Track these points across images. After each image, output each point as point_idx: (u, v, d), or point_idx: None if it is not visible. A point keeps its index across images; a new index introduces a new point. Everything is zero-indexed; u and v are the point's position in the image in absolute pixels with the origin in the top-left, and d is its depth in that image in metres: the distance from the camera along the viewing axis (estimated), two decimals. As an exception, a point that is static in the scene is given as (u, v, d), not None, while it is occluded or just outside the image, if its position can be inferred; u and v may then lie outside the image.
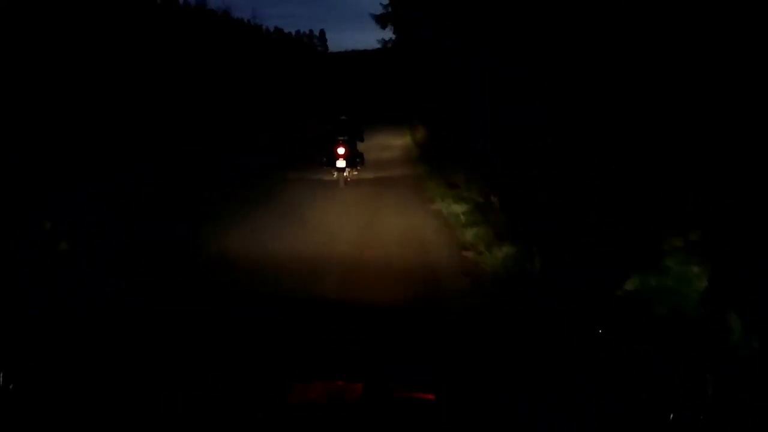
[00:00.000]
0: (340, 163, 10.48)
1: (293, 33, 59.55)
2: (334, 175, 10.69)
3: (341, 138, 10.52)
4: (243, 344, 1.75)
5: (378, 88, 32.25)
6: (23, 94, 11.74)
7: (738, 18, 5.74)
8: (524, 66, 9.77)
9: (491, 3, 11.22)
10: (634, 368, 1.57)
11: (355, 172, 11.03)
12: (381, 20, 24.15)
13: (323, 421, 1.32)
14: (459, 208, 8.41)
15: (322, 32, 66.40)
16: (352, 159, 10.67)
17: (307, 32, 64.59)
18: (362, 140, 11.20)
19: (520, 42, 9.90)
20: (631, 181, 6.21)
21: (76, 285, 5.07)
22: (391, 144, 17.64)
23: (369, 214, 8.65)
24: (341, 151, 10.43)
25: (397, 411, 1.34)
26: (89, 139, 12.55)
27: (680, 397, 1.48)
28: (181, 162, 12.62)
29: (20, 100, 11.49)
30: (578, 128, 8.00)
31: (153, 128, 15.79)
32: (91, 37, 15.24)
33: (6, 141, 9.80)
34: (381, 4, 24.07)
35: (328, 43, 67.31)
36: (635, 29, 7.00)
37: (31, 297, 4.64)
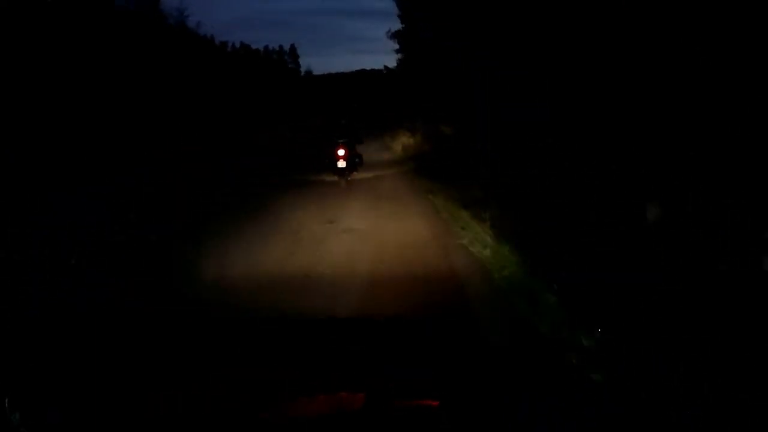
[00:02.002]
0: (341, 164, 10.89)
1: (261, 49, 56.52)
2: (336, 176, 10.99)
3: (341, 141, 10.93)
4: (243, 344, 1.75)
5: (359, 107, 33.51)
6: (24, 95, 11.74)
7: (736, 18, 5.74)
8: (524, 66, 9.77)
9: (491, 3, 11.22)
10: (634, 368, 1.57)
11: (355, 172, 11.30)
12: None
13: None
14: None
15: (293, 47, 63.21)
16: (352, 160, 11.13)
17: (277, 48, 62.06)
18: (361, 142, 11.69)
19: (520, 42, 9.90)
20: (631, 181, 6.20)
21: (76, 285, 5.07)
22: (382, 147, 19.85)
23: (372, 206, 9.36)
24: (341, 153, 10.90)
25: (400, 420, 1.33)
26: (89, 139, 12.55)
27: (680, 397, 1.48)
28: (181, 162, 12.66)
29: (21, 100, 11.49)
30: (578, 128, 8.00)
31: (153, 128, 15.80)
32: (92, 41, 15.24)
33: (6, 141, 9.80)
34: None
35: (302, 66, 65.00)
36: (635, 29, 7.00)
37: (31, 297, 4.66)
